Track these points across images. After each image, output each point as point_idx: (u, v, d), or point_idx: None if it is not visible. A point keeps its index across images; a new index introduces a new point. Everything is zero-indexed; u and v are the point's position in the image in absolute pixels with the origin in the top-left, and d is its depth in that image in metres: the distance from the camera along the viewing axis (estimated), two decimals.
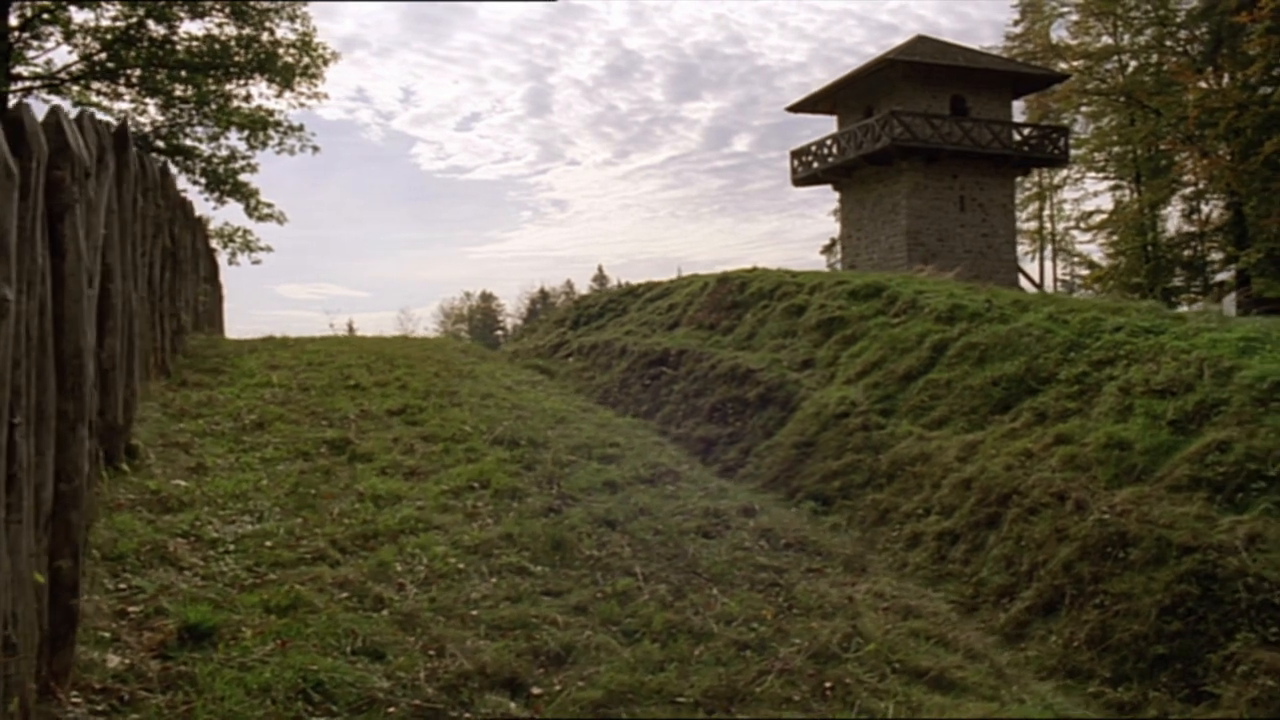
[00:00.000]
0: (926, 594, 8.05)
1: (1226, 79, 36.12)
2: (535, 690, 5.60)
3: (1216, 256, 40.40)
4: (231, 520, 7.72)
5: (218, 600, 6.15)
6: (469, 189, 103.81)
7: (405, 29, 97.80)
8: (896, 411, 14.08)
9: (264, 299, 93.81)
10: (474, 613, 6.42)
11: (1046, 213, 51.73)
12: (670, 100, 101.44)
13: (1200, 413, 11.12)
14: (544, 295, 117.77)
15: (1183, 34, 39.70)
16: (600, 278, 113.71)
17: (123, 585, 6.05)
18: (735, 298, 20.81)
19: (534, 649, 5.97)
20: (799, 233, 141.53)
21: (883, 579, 7.88)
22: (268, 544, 7.25)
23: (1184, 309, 19.83)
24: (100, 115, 23.69)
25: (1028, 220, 52.47)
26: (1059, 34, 46.31)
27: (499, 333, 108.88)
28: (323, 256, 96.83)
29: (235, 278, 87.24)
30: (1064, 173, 47.72)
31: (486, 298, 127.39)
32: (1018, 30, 49.94)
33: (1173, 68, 38.62)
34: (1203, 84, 36.18)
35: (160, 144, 26.17)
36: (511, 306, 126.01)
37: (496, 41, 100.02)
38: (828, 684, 5.76)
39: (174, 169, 25.19)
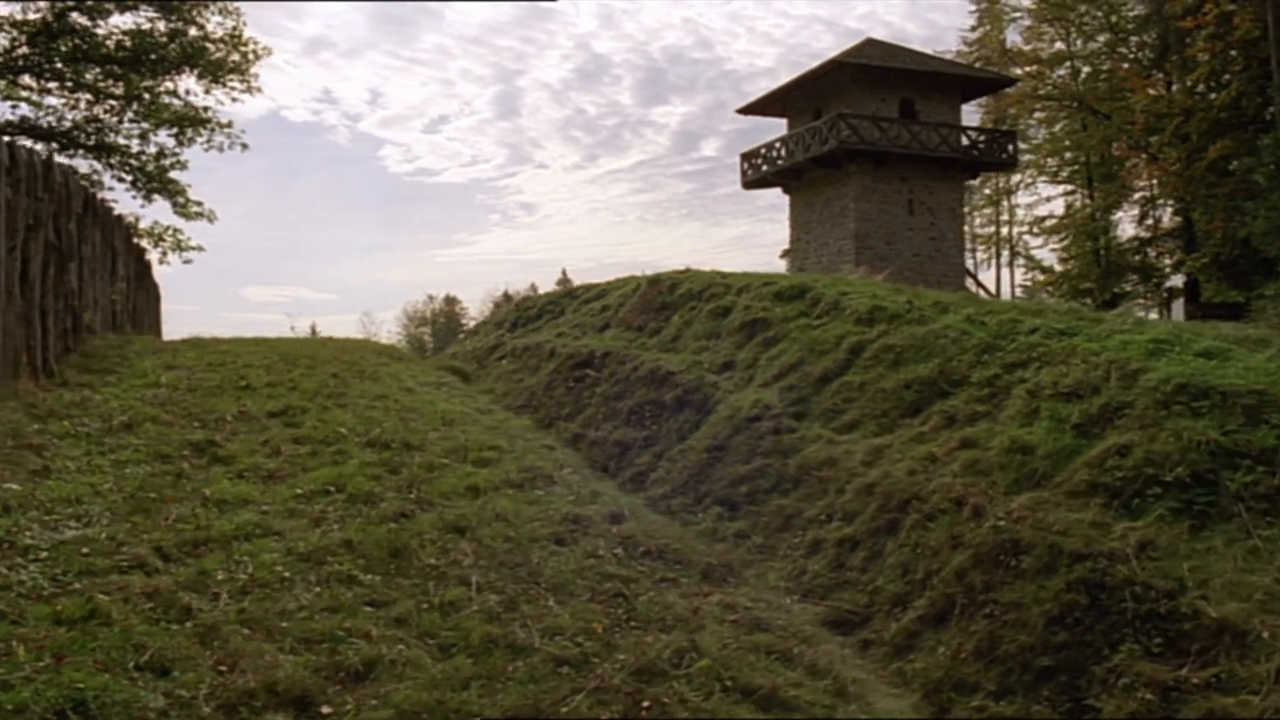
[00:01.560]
0: (786, 605, 7.65)
1: (1175, 85, 36.09)
2: (325, 709, 5.18)
3: (1167, 262, 40.38)
4: (54, 526, 7.24)
5: (3, 611, 5.69)
6: (437, 192, 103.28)
7: (372, 30, 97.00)
8: (809, 415, 13.72)
9: (230, 302, 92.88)
10: (285, 624, 5.98)
11: (1003, 218, 51.67)
12: (639, 104, 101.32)
13: (1104, 416, 10.81)
14: (508, 298, 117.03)
15: (1133, 40, 39.70)
16: (564, 281, 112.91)
17: None
18: (665, 299, 20.43)
19: (336, 664, 5.54)
20: (767, 237, 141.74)
21: (742, 589, 7.48)
22: (84, 551, 6.78)
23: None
24: (27, 112, 23.07)
25: (984, 226, 52.45)
26: (1013, 39, 46.29)
27: (461, 336, 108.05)
28: (289, 259, 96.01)
29: (200, 280, 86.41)
30: (1017, 177, 47.68)
31: (450, 301, 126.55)
32: (974, 35, 49.89)
33: (1122, 73, 38.59)
34: (1151, 90, 36.14)
35: (90, 141, 25.52)
36: (475, 310, 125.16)
37: (464, 44, 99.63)
38: (645, 703, 5.36)
39: (98, 165, 24.63)
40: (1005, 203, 50.32)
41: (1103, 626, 8.56)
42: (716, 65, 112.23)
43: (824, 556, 11.12)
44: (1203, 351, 11.48)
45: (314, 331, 30.77)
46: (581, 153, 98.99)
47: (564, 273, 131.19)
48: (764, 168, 37.29)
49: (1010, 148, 35.70)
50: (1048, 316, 13.78)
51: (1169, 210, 40.33)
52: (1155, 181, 39.00)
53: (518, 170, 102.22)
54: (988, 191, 50.77)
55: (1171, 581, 8.50)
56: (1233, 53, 33.87)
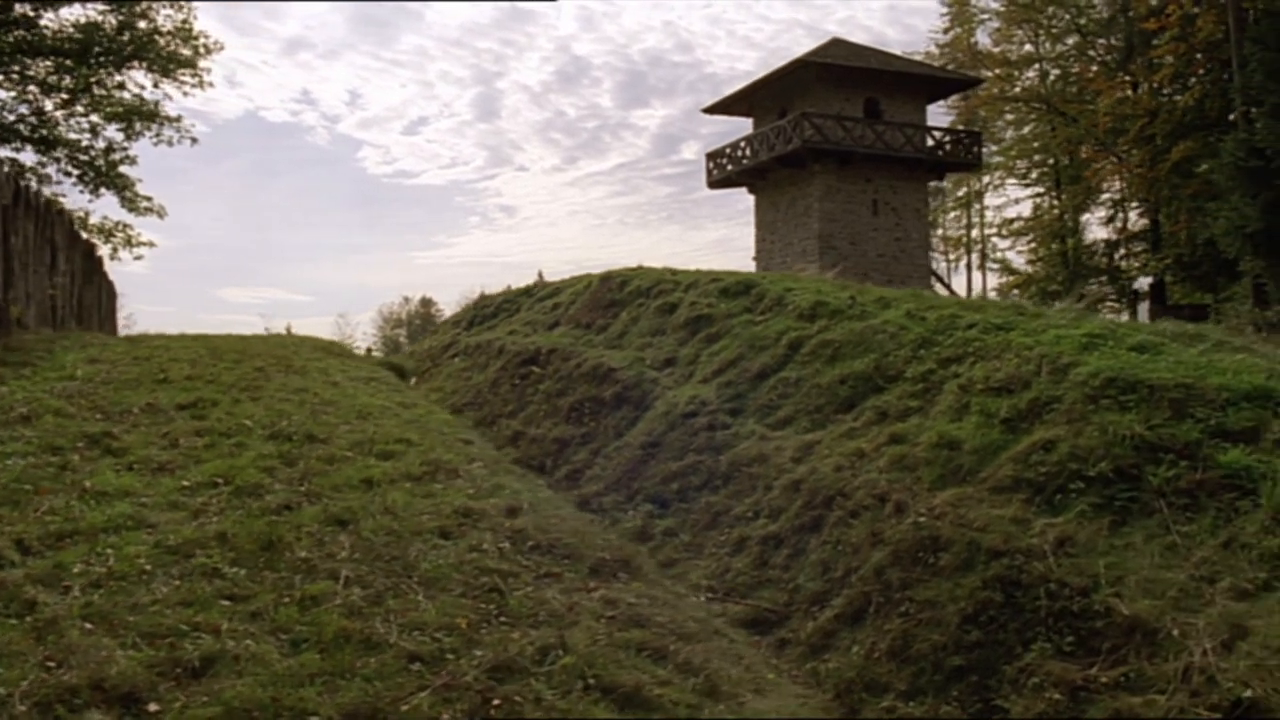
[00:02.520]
0: (675, 602, 7.36)
1: (1140, 87, 36.04)
2: (153, 707, 4.88)
3: (1134, 264, 40.33)
4: None
5: None
6: (416, 193, 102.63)
7: (351, 31, 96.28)
8: (745, 411, 13.46)
9: (207, 303, 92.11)
10: (131, 619, 5.68)
11: (973, 220, 51.57)
12: (619, 107, 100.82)
13: (1033, 411, 10.58)
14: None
15: (1100, 42, 39.65)
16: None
17: None
18: (614, 296, 20.15)
19: (174, 660, 5.24)
20: (746, 240, 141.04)
21: (633, 585, 7.19)
22: None
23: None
24: None
25: (958, 229, 52.36)
26: (984, 41, 46.20)
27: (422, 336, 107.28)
28: (266, 260, 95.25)
29: (176, 281, 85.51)
30: (986, 179, 47.59)
31: (426, 303, 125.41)
32: (946, 38, 49.76)
33: (1089, 76, 38.54)
34: (1116, 92, 36.08)
35: (36, 134, 25.06)
36: (451, 312, 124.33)
37: (444, 45, 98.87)
38: (496, 701, 5.07)
39: (44, 159, 24.18)
40: (976, 205, 50.23)
41: (1016, 625, 8.31)
42: (697, 68, 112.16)
43: (748, 555, 10.87)
44: (1136, 346, 11.27)
45: (288, 333, 30.17)
46: (561, 155, 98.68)
47: (540, 275, 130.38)
48: (729, 167, 37.04)
49: (975, 148, 35.55)
50: (987, 312, 13.57)
51: (1135, 212, 40.32)
52: (1122, 183, 38.91)
53: (497, 172, 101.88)
54: (961, 193, 50.59)
55: (1086, 579, 8.26)
56: (1198, 55, 33.86)
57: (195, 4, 24.72)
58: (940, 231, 51.73)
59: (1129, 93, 35.82)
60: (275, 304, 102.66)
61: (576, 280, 23.54)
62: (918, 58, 43.02)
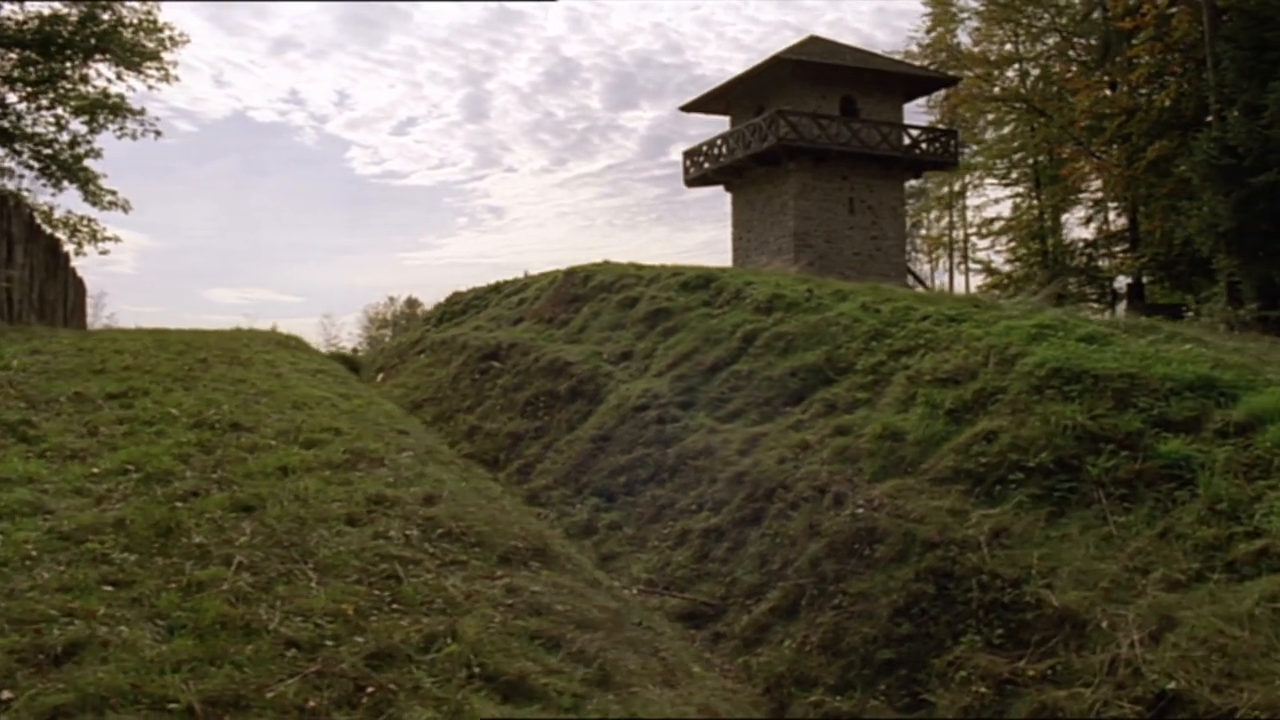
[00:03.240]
0: (583, 591, 7.15)
1: (1117, 86, 35.94)
2: (5, 694, 4.66)
3: (1111, 264, 40.22)
4: None
5: None
6: (404, 194, 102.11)
7: (340, 31, 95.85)
8: (696, 404, 13.26)
9: (194, 303, 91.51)
10: (3, 605, 5.44)
11: (955, 220, 51.47)
12: (608, 108, 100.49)
13: (979, 401, 10.40)
14: None
15: (1079, 42, 39.57)
16: None
17: None
18: (577, 291, 19.94)
19: (39, 645, 5.02)
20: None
21: (542, 574, 6.98)
22: None
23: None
24: None
25: (939, 230, 52.23)
26: (965, 41, 46.07)
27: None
28: (254, 261, 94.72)
29: (164, 281, 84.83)
30: (967, 178, 47.47)
31: (412, 303, 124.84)
32: (928, 39, 49.56)
33: (1066, 75, 38.45)
34: (1093, 91, 35.98)
35: None
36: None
37: (432, 46, 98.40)
38: (369, 689, 4.86)
39: (2, 153, 23.83)
40: (958, 204, 50.12)
41: (948, 617, 8.12)
42: (686, 70, 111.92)
43: (689, 548, 10.67)
44: (1085, 336, 11.09)
45: (273, 331, 29.86)
46: (550, 156, 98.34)
47: (526, 274, 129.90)
48: (706, 165, 36.79)
49: (952, 146, 35.40)
50: (942, 304, 13.39)
51: (1114, 212, 40.22)
52: (1100, 182, 38.80)
53: (486, 173, 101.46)
54: (943, 193, 50.42)
55: (1019, 570, 8.08)
56: (1174, 55, 33.75)
57: (209, 3, 24.38)
58: (923, 231, 51.60)
59: (1106, 92, 35.69)
60: (263, 304, 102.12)
61: (543, 276, 23.31)
62: (899, 58, 42.82)
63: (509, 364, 17.75)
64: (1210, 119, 29.78)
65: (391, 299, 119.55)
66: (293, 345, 17.33)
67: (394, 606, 5.88)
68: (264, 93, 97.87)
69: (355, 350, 42.71)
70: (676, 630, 9.47)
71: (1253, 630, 6.83)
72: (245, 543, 6.56)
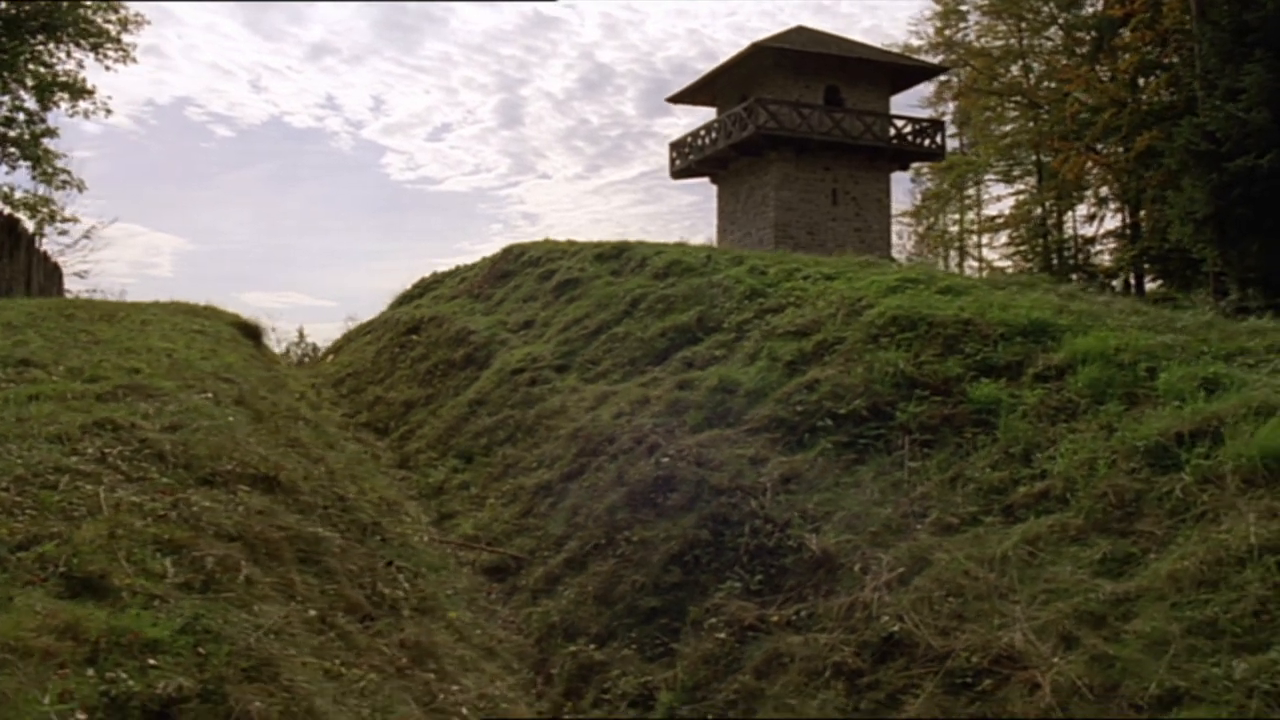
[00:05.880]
0: (283, 518, 6.70)
1: (1112, 77, 35.02)
2: None
3: (1107, 259, 39.24)
4: None
5: None
6: (439, 200, 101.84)
7: (376, 37, 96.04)
8: (571, 366, 12.80)
9: (229, 306, 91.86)
10: None
11: (954, 217, 50.48)
12: (642, 115, 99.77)
13: (817, 353, 9.87)
14: None
15: (1080, 35, 38.64)
16: None
17: None
18: (508, 267, 19.56)
19: None
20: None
21: (245, 497, 6.55)
22: None
23: None
24: None
25: (940, 226, 51.19)
26: (968, 36, 45.18)
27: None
28: (288, 265, 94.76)
29: (200, 284, 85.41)
30: (968, 174, 46.48)
31: None
32: (932, 33, 48.64)
33: (1061, 66, 37.56)
34: (1086, 81, 35.06)
35: None
36: None
37: (468, 51, 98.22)
38: None
39: None
40: (958, 199, 49.14)
41: (717, 564, 7.60)
42: None
43: (519, 504, 10.21)
44: (944, 288, 10.52)
45: (300, 335, 29.94)
46: (584, 163, 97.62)
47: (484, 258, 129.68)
48: (691, 157, 36.16)
49: (939, 137, 34.56)
50: (825, 266, 12.84)
51: (1114, 208, 39.23)
52: (1095, 176, 37.87)
53: (520, 180, 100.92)
54: (943, 188, 49.44)
55: (794, 515, 7.55)
56: (1169, 44, 32.80)
57: (245, 3, 24.20)
58: (921, 230, 50.66)
59: (1100, 83, 34.76)
60: (297, 308, 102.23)
61: (490, 257, 22.94)
62: (928, 58, 41.87)
63: (424, 337, 17.39)
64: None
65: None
66: (203, 314, 16.98)
67: (29, 511, 5.46)
68: (300, 98, 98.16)
69: (259, 321, 42.44)
70: (477, 582, 9.03)
71: (1000, 572, 6.28)
72: None
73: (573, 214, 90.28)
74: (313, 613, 5.78)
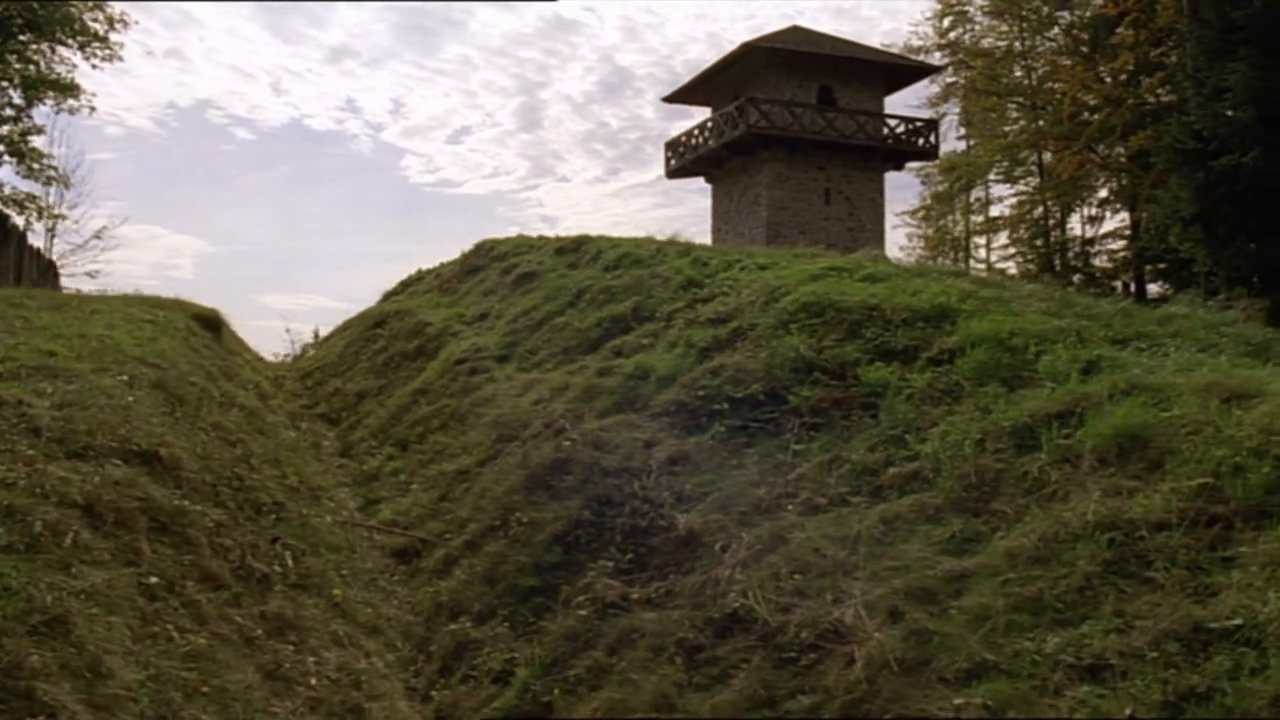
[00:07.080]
0: (148, 489, 6.77)
1: (1106, 78, 34.81)
2: None
3: (1107, 261, 39.01)
4: None
5: None
6: (459, 203, 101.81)
7: (396, 40, 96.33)
8: (512, 356, 12.85)
9: (250, 308, 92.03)
10: None
11: (955, 218, 50.18)
12: (661, 118, 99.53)
13: (731, 340, 9.90)
14: None
15: (1074, 33, 38.41)
16: None
17: None
18: (478, 262, 19.62)
19: None
20: None
21: (113, 469, 6.62)
22: None
23: None
24: None
25: (941, 228, 50.91)
26: (970, 36, 44.99)
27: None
28: (309, 267, 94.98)
29: (221, 286, 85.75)
30: (971, 176, 46.27)
31: None
32: (934, 34, 48.43)
33: (1057, 66, 37.36)
34: (1081, 81, 34.85)
35: None
36: None
37: (487, 54, 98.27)
38: None
39: None
40: (961, 200, 48.87)
41: (595, 544, 7.64)
42: None
43: (437, 489, 10.26)
44: (867, 276, 10.51)
45: (316, 336, 30.04)
46: (604, 166, 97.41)
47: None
48: (686, 156, 36.18)
49: (932, 136, 34.47)
50: (760, 257, 12.86)
51: (1114, 208, 38.97)
52: (1093, 177, 37.63)
53: (539, 183, 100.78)
54: (949, 187, 49.17)
55: (671, 494, 7.57)
56: (1165, 44, 32.61)
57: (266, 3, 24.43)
58: (924, 232, 50.42)
59: (1096, 83, 34.54)
60: (316, 310, 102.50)
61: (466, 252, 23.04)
62: (929, 59, 41.75)
63: (387, 330, 17.49)
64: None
65: None
66: (167, 306, 17.09)
67: None
68: (320, 101, 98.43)
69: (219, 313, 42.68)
70: (384, 564, 9.09)
71: (850, 550, 6.28)
72: None
73: (592, 217, 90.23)
74: (154, 580, 5.84)
